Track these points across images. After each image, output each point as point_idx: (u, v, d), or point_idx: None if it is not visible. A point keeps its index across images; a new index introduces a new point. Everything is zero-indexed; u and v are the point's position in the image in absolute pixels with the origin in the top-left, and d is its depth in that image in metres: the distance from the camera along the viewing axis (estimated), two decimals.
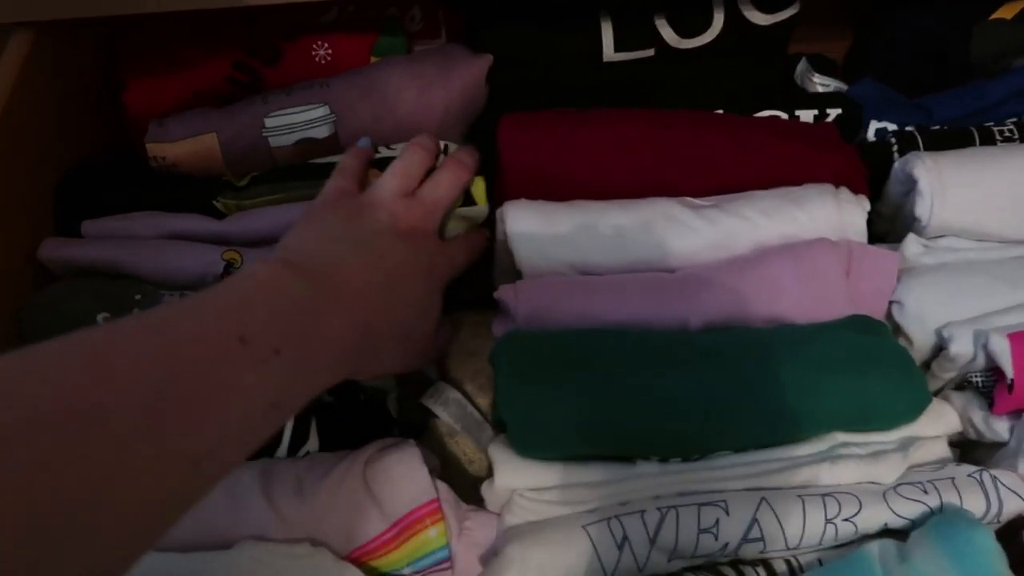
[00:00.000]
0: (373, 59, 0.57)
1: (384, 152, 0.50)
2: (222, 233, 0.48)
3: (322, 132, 0.54)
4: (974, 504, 0.37)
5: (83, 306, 0.45)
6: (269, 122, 0.54)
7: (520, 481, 0.39)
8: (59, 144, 0.51)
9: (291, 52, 0.58)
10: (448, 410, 0.50)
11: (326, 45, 0.57)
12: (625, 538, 0.36)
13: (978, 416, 0.42)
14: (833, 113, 0.56)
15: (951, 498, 0.37)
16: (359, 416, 0.46)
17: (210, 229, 0.48)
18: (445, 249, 0.46)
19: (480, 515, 0.42)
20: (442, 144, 0.51)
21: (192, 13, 0.48)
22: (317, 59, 0.57)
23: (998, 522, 0.37)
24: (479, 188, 0.50)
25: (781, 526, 0.36)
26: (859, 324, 0.43)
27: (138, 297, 0.45)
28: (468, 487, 0.44)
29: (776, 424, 0.39)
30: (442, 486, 0.42)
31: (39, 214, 0.49)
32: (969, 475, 0.38)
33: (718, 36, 0.58)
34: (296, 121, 0.54)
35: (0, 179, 0.45)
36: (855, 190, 0.50)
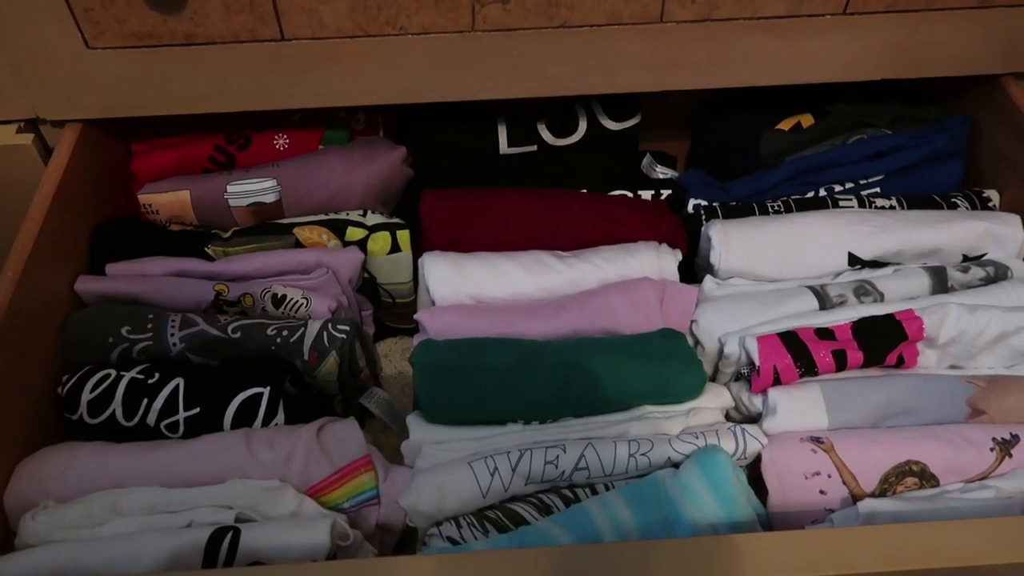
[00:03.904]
0: (320, 148, 0.75)
1: (332, 215, 0.69)
2: (213, 271, 0.65)
3: (270, 198, 0.71)
4: (728, 444, 0.55)
5: (111, 323, 0.61)
6: (230, 188, 0.71)
7: (427, 437, 0.56)
8: (92, 208, 0.68)
9: (258, 141, 0.75)
10: (379, 406, 0.67)
11: (285, 136, 0.75)
12: (495, 468, 0.53)
13: (744, 396, 0.62)
14: (665, 193, 0.78)
15: (713, 441, 0.55)
16: (314, 405, 0.62)
17: (204, 268, 0.65)
18: None
19: (400, 469, 0.58)
20: (368, 211, 0.70)
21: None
22: (277, 146, 0.75)
23: (744, 457, 0.56)
24: (404, 239, 0.69)
25: (600, 459, 0.54)
26: (665, 334, 0.62)
27: (151, 316, 0.61)
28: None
29: (603, 399, 0.58)
30: (373, 449, 0.59)
31: (77, 258, 0.65)
32: (728, 428, 0.57)
33: (583, 137, 0.79)
34: (250, 189, 0.71)
35: (52, 233, 0.61)
36: (674, 246, 0.71)
